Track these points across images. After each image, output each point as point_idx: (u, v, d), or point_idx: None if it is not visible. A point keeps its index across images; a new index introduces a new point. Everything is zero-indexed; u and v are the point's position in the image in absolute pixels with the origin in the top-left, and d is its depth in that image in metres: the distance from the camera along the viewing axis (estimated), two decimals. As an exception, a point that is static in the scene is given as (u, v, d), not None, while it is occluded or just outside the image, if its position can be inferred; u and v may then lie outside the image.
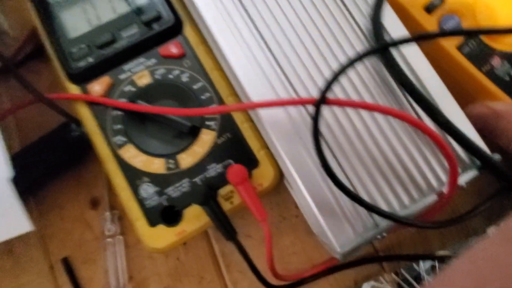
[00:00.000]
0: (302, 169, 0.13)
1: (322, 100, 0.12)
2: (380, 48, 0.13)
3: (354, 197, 0.12)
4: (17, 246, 0.18)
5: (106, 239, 0.17)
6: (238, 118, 0.16)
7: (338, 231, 0.13)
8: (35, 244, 0.19)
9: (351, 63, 0.12)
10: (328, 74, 0.14)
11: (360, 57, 0.13)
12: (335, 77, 0.12)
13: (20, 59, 0.20)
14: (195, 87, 0.16)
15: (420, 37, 0.14)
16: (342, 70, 0.12)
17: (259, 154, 0.15)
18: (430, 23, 0.17)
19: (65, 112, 0.17)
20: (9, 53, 0.20)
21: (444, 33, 0.14)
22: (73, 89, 0.15)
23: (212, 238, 0.18)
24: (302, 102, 0.13)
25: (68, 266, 0.17)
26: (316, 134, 0.12)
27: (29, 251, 0.18)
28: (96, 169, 0.18)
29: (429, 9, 0.17)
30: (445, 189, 0.13)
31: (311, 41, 0.14)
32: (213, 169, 0.15)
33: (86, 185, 0.18)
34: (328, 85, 0.12)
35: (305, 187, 0.13)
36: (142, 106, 0.15)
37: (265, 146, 0.16)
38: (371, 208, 0.12)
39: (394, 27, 0.15)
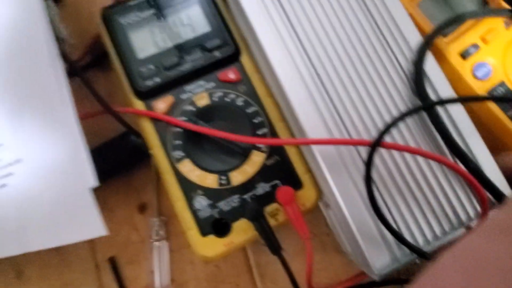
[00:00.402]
0: (347, 197, 0.15)
1: (377, 143, 0.13)
2: (427, 106, 0.15)
3: (399, 237, 0.14)
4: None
5: (153, 243, 0.18)
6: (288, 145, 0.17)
7: (377, 255, 0.14)
8: (82, 243, 0.20)
9: (402, 116, 0.14)
10: (377, 118, 0.16)
11: (410, 112, 0.14)
12: (388, 128, 0.14)
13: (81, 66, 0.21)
14: (248, 111, 0.17)
15: (467, 99, 0.16)
16: (395, 122, 0.14)
17: (304, 177, 0.17)
18: (464, 68, 0.19)
19: (126, 123, 0.18)
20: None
21: (491, 98, 0.16)
22: (139, 105, 0.17)
23: (248, 249, 0.20)
24: (358, 143, 0.15)
25: (114, 265, 0.19)
26: (369, 172, 0.14)
27: (77, 249, 0.20)
28: (146, 177, 0.20)
29: (464, 55, 0.19)
30: (473, 223, 0.15)
31: (362, 85, 0.16)
32: (261, 188, 0.17)
33: (136, 191, 0.20)
34: (383, 133, 0.14)
35: (349, 214, 0.15)
36: (201, 128, 0.16)
37: (309, 170, 0.17)
38: (412, 248, 0.14)
39: (436, 77, 0.16)
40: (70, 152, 0.14)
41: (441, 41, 0.19)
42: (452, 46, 0.19)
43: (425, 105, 0.15)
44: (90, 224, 0.14)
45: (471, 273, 0.10)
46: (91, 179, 0.13)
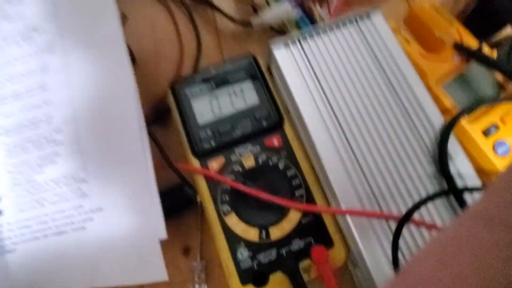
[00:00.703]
0: (374, 259, 0.17)
1: (405, 220, 0.15)
2: (454, 190, 0.17)
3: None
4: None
5: (195, 285, 0.20)
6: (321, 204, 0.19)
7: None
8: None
9: (428, 199, 0.16)
10: (404, 191, 0.18)
11: (436, 195, 0.16)
12: (415, 208, 0.16)
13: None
14: (288, 173, 0.20)
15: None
16: (421, 203, 0.16)
17: (335, 236, 0.19)
18: (486, 145, 0.21)
19: (182, 176, 0.21)
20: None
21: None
22: (195, 163, 0.20)
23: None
24: (388, 217, 0.17)
25: (158, 302, 0.21)
26: (396, 243, 0.16)
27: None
28: (193, 223, 0.22)
29: (486, 133, 0.21)
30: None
31: (391, 161, 0.18)
32: (297, 244, 0.19)
33: (182, 235, 0.22)
34: (412, 212, 0.16)
35: (375, 275, 0.17)
36: (246, 188, 0.19)
37: (340, 231, 0.19)
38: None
39: (458, 157, 0.19)
40: (146, 205, 0.17)
41: (464, 120, 0.21)
42: (475, 125, 0.21)
43: (451, 189, 0.17)
44: (154, 269, 0.16)
45: (443, 255, 0.10)
46: (161, 232, 0.16)
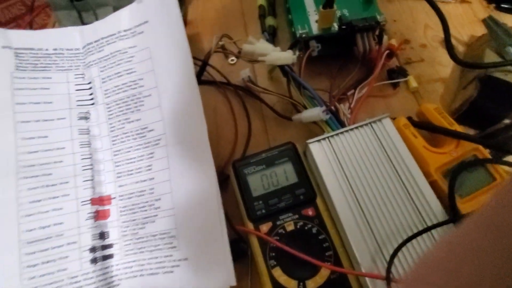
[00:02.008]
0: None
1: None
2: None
3: None
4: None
5: (246, 323, 0.26)
6: (345, 265, 0.25)
7: None
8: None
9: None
10: (408, 258, 0.23)
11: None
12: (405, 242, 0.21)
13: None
14: (319, 237, 0.26)
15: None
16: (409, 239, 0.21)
17: (356, 291, 0.24)
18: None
19: (239, 234, 0.28)
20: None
21: None
22: (250, 226, 0.27)
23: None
24: (395, 281, 0.22)
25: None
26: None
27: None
28: (243, 270, 0.28)
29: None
30: None
31: (400, 237, 0.24)
32: (326, 296, 0.24)
33: (236, 279, 0.28)
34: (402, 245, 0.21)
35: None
36: (288, 248, 0.25)
37: (361, 286, 0.24)
38: None
39: None
40: (222, 259, 0.23)
41: (459, 201, 0.26)
42: (469, 206, 0.26)
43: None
44: None
45: (447, 264, 0.10)
46: (232, 279, 0.22)
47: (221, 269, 0.23)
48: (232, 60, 0.39)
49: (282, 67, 0.33)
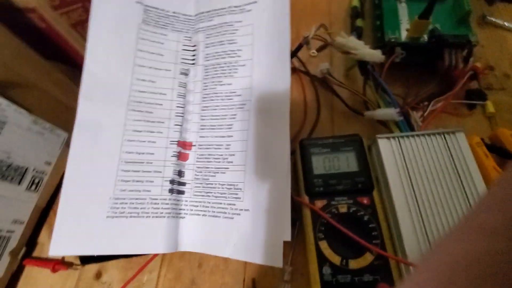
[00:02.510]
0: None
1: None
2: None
3: None
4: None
5: (283, 282, 0.28)
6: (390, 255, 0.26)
7: None
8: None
9: None
10: None
11: None
12: None
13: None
14: (370, 225, 0.28)
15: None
16: None
17: (397, 279, 0.25)
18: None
19: (294, 204, 0.30)
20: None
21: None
22: (306, 199, 0.29)
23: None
24: None
25: (254, 284, 0.29)
26: None
27: (238, 265, 0.31)
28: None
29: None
30: None
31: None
32: (367, 277, 0.26)
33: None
34: None
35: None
36: (338, 225, 0.27)
37: (401, 277, 0.25)
38: None
39: None
40: (282, 215, 0.26)
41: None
42: None
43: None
44: (274, 257, 0.25)
45: (440, 271, 0.10)
46: (287, 235, 0.25)
47: (279, 224, 0.26)
48: (313, 52, 0.42)
49: (363, 66, 0.35)
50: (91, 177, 0.28)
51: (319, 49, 0.43)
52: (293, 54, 0.34)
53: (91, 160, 0.28)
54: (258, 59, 0.31)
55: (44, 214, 0.35)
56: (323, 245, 0.28)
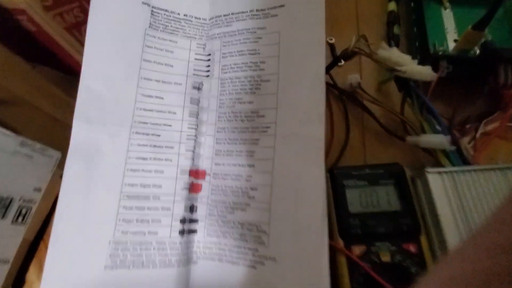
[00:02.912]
0: None
1: None
2: None
3: None
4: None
5: None
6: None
7: None
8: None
9: None
10: None
11: None
12: None
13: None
14: (418, 278, 0.23)
15: None
16: None
17: None
18: None
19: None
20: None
21: None
22: (340, 243, 0.25)
23: None
24: None
25: None
26: None
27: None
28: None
29: None
30: None
31: None
32: None
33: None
34: None
35: None
36: (379, 279, 0.23)
37: None
38: None
39: None
40: (318, 272, 0.21)
41: None
42: None
43: None
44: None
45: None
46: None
47: (314, 280, 0.22)
48: (340, 62, 0.37)
49: (403, 82, 0.30)
50: (86, 215, 0.23)
51: (346, 58, 0.38)
52: (328, 69, 0.29)
53: (87, 194, 0.24)
54: (286, 74, 0.27)
55: (33, 247, 0.31)
56: (363, 299, 0.24)
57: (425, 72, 0.25)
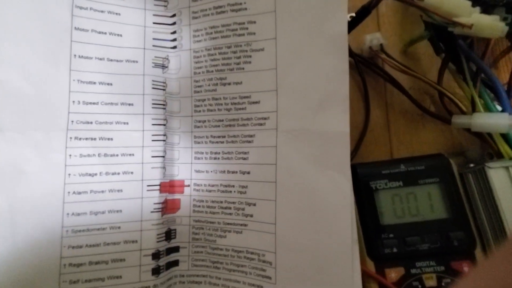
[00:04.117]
0: None
1: None
2: None
3: None
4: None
5: None
6: None
7: None
8: None
9: None
10: None
11: None
12: None
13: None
14: (474, 308, 0.18)
15: None
16: None
17: None
18: None
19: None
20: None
21: None
22: (371, 266, 0.19)
23: None
24: None
25: None
26: None
27: None
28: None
29: None
30: None
31: None
32: None
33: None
34: None
35: None
36: None
37: None
38: None
39: None
40: None
41: None
42: None
43: None
44: None
45: None
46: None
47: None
48: (350, 16, 0.28)
49: (447, 40, 0.22)
50: (16, 267, 0.17)
51: (360, 11, 0.29)
52: (352, 26, 0.21)
53: (12, 236, 0.17)
54: (288, 39, 0.18)
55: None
56: None
57: (496, 26, 0.17)
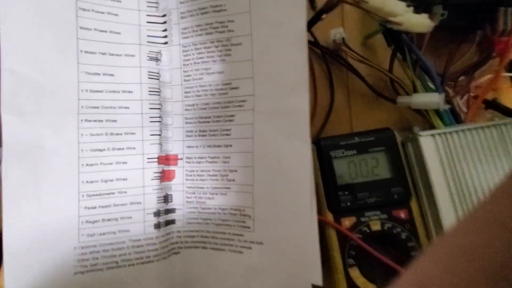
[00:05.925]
0: None
1: None
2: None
3: None
4: None
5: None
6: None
7: None
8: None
9: None
10: None
11: None
12: None
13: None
14: (408, 244, 0.23)
15: None
16: None
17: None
18: None
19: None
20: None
21: None
22: (330, 217, 0.24)
23: None
24: None
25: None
26: None
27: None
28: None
29: None
30: None
31: None
32: (407, 308, 0.22)
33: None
34: None
35: None
36: (371, 249, 0.22)
37: None
38: None
39: None
40: (308, 253, 0.20)
41: None
42: None
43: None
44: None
45: (446, 261, 0.10)
46: (318, 279, 0.20)
47: (304, 261, 0.21)
48: (322, 16, 0.32)
49: (394, 35, 0.27)
50: (42, 225, 0.20)
51: (329, 9, 0.33)
52: (310, 25, 0.25)
53: (37, 201, 0.20)
54: (261, 35, 0.22)
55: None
56: (354, 273, 0.23)
57: (423, 23, 0.22)
